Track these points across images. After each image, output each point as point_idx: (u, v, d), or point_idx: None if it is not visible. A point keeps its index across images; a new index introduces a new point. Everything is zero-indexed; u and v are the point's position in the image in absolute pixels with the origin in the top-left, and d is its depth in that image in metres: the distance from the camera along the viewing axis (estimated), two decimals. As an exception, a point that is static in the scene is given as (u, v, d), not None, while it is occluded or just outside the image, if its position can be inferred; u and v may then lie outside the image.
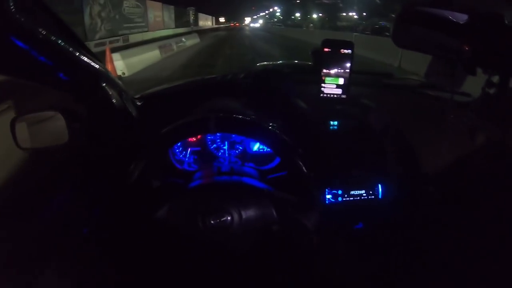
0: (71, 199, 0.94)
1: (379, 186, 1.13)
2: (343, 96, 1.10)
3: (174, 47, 15.02)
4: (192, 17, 40.20)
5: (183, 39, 17.44)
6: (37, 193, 0.94)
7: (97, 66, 0.82)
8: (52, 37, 0.66)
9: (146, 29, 21.10)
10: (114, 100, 0.89)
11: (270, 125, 0.97)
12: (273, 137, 0.95)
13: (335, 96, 1.10)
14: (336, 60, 1.08)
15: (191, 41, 19.16)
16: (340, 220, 1.12)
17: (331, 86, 1.09)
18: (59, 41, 0.68)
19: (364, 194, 1.13)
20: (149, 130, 0.96)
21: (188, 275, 0.97)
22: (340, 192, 1.11)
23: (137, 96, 1.16)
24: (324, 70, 1.08)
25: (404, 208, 1.12)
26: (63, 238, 0.87)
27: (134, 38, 17.50)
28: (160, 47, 12.76)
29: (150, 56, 11.25)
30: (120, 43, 15.15)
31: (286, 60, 5.97)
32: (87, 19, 13.76)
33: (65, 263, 0.85)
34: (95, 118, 0.90)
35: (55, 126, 0.88)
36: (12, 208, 0.88)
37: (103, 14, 15.32)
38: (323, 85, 1.09)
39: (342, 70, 1.08)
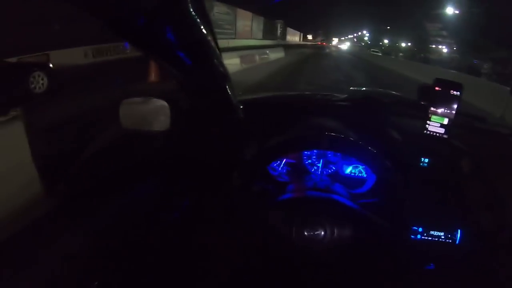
0: (165, 183, 1.07)
1: (459, 231, 1.14)
2: (445, 136, 1.14)
3: (257, 58, 15.51)
4: (280, 30, 41.44)
5: (267, 52, 18.03)
6: (136, 171, 1.08)
7: (224, 67, 0.93)
8: (200, 30, 0.74)
9: (233, 36, 22.31)
10: (233, 101, 1.01)
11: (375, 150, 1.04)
12: (378, 161, 1.03)
13: (437, 134, 1.15)
14: (445, 100, 1.13)
15: (275, 55, 19.68)
16: (413, 257, 1.15)
17: (436, 125, 1.14)
18: (203, 35, 0.76)
19: (443, 236, 1.15)
20: (254, 138, 1.07)
21: (274, 277, 1.06)
22: (420, 229, 1.14)
23: None
24: (432, 108, 1.14)
25: (480, 259, 1.12)
26: (150, 219, 1.00)
27: (220, 43, 18.49)
28: (241, 57, 13.05)
29: (226, 64, 11.29)
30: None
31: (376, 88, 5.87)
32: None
33: (150, 239, 0.99)
34: (211, 115, 1.02)
35: (159, 113, 0.99)
36: (109, 183, 1.03)
37: (191, 16, 16.47)
38: (428, 122, 1.14)
39: (448, 111, 1.13)
